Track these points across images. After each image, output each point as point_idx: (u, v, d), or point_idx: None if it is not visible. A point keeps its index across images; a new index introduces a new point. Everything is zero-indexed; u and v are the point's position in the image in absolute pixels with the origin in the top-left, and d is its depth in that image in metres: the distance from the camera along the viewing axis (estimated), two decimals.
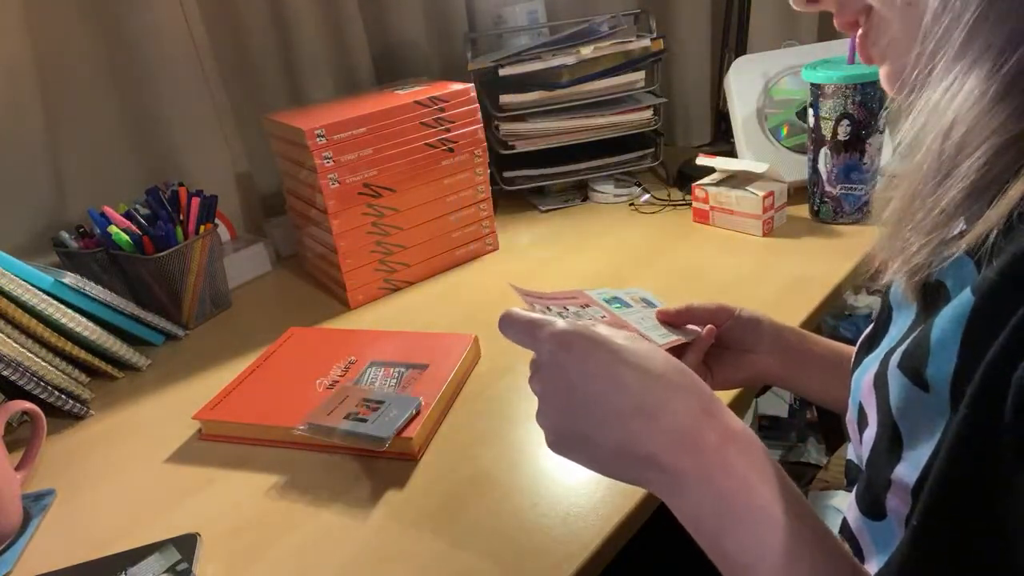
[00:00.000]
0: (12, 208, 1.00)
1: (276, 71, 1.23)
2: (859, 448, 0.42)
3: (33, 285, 0.82)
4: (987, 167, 0.33)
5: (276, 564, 0.58)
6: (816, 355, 0.61)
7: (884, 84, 0.41)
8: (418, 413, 0.69)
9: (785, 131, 1.14)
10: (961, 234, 0.34)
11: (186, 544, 0.60)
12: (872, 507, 0.39)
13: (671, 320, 0.62)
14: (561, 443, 0.42)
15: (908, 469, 0.36)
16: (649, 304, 0.64)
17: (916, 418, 0.35)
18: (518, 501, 0.61)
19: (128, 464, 0.74)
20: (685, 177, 1.20)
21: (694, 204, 1.09)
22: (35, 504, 0.68)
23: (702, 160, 1.11)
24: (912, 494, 0.35)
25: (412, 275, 1.05)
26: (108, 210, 0.97)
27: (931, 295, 0.38)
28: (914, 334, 0.36)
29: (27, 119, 0.99)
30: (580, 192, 1.28)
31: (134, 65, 1.07)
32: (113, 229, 0.94)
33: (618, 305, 0.62)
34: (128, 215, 0.97)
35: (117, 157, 1.10)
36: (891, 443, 0.37)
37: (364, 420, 0.67)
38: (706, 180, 1.09)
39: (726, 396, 0.70)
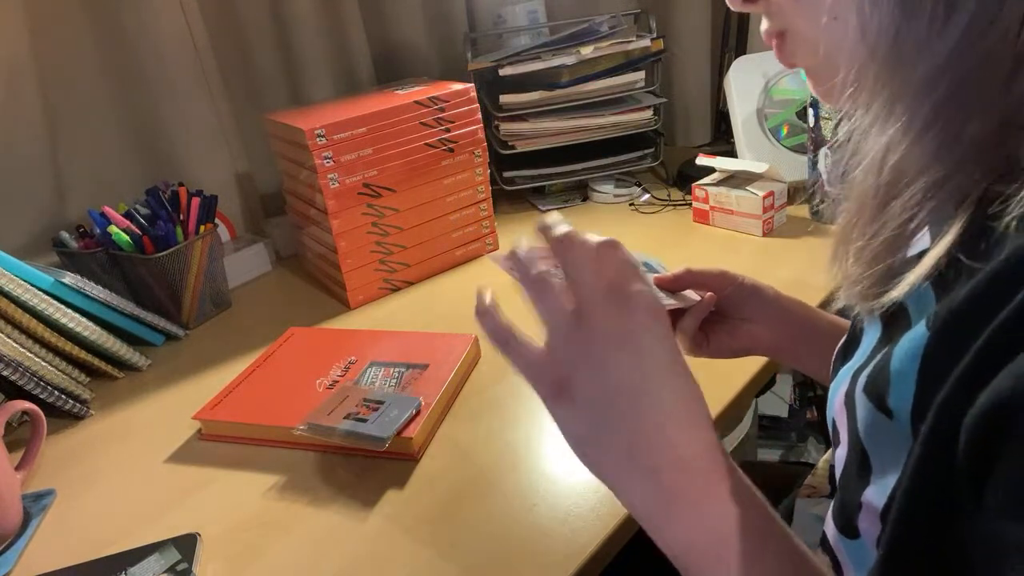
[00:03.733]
0: (12, 208, 1.00)
1: (276, 71, 1.23)
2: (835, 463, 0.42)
3: (33, 285, 0.82)
4: (925, 203, 0.33)
5: (276, 564, 0.58)
6: (819, 330, 0.59)
7: (811, 86, 0.40)
8: (418, 413, 0.69)
9: (785, 131, 1.14)
10: (921, 255, 0.34)
11: (186, 544, 0.60)
12: (846, 526, 0.39)
13: (668, 286, 0.59)
14: (563, 404, 0.38)
15: (877, 494, 0.35)
16: (651, 269, 0.62)
17: (883, 443, 0.35)
18: (518, 502, 0.61)
19: (128, 464, 0.74)
20: (685, 177, 1.20)
21: (694, 204, 1.09)
22: (35, 504, 0.68)
23: (702, 160, 1.11)
24: (880, 518, 0.35)
25: (412, 275, 1.05)
26: (108, 210, 0.97)
27: (893, 316, 0.37)
28: (877, 357, 0.35)
29: (27, 119, 0.99)
30: (580, 192, 1.28)
31: (134, 65, 1.07)
32: (113, 229, 0.94)
33: None
34: (128, 215, 0.97)
35: (117, 157, 1.10)
36: (860, 466, 0.37)
37: (364, 420, 0.67)
38: (706, 180, 1.09)
39: (727, 395, 0.70)
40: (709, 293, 0.59)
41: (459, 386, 0.78)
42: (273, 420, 0.72)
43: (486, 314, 0.40)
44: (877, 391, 0.34)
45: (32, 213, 1.02)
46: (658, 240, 1.07)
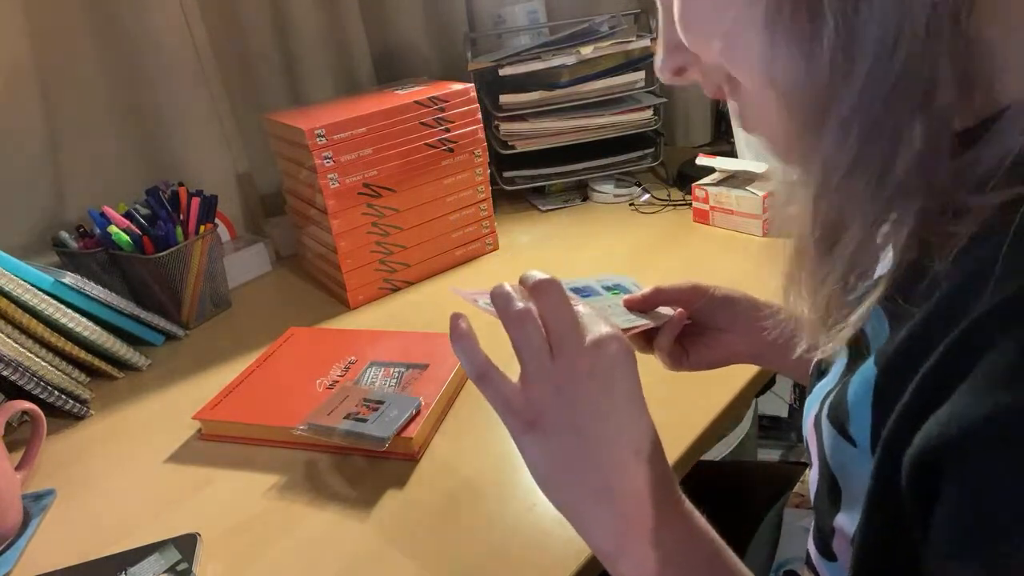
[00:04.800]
0: (12, 208, 1.00)
1: (276, 71, 1.23)
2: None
3: (33, 285, 0.82)
4: (865, 245, 0.33)
5: (276, 564, 0.58)
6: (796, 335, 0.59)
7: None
8: (418, 413, 0.69)
9: None
10: (878, 281, 0.34)
11: (186, 544, 0.60)
12: (824, 549, 0.40)
13: (639, 307, 0.59)
14: (534, 437, 0.39)
15: (847, 520, 0.36)
16: (624, 290, 0.62)
17: (849, 470, 0.36)
18: (518, 502, 0.61)
19: (128, 464, 0.74)
20: (685, 177, 1.20)
21: (694, 204, 1.09)
22: (35, 504, 0.68)
23: (702, 160, 1.11)
24: (852, 544, 0.35)
25: (412, 275, 1.05)
26: (108, 210, 0.97)
27: (857, 341, 0.37)
28: (840, 385, 0.36)
29: (27, 119, 0.99)
30: (580, 192, 1.28)
31: (134, 65, 1.07)
32: (113, 229, 0.94)
33: (586, 295, 0.60)
34: (128, 215, 0.97)
35: (117, 157, 1.10)
36: (831, 492, 0.37)
37: (364, 420, 0.67)
38: (706, 180, 1.09)
39: (727, 395, 0.70)
40: (680, 309, 0.59)
41: (459, 386, 0.78)
42: (273, 420, 0.72)
43: (462, 341, 0.41)
44: (839, 419, 0.35)
45: (32, 213, 1.02)
46: (658, 240, 1.07)
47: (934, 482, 0.27)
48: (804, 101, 0.32)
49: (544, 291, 0.40)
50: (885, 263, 0.36)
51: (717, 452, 1.35)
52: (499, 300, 0.40)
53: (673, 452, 0.64)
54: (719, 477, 0.81)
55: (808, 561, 0.44)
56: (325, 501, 0.64)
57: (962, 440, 0.26)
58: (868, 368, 0.33)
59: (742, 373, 0.72)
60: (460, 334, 0.41)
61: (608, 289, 0.62)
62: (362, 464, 0.68)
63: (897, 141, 0.30)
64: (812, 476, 0.40)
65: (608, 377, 0.38)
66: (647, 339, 0.60)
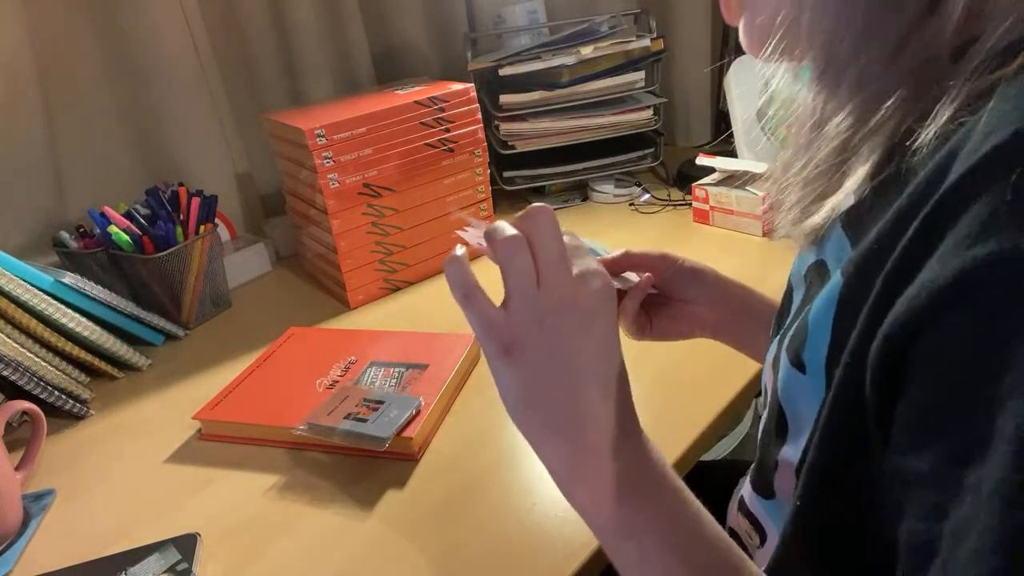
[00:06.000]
0: (12, 208, 1.00)
1: (276, 71, 1.23)
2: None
3: (33, 285, 0.82)
4: (853, 128, 0.33)
5: (276, 564, 0.58)
6: (759, 312, 0.59)
7: (743, 39, 0.40)
8: (418, 413, 0.69)
9: (785, 131, 1.13)
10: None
11: (186, 544, 0.60)
12: (764, 487, 0.40)
13: (608, 268, 0.60)
14: (508, 364, 0.38)
15: (792, 450, 0.36)
16: (595, 254, 0.63)
17: (797, 400, 0.36)
18: (518, 501, 0.61)
19: (128, 464, 0.74)
20: (685, 177, 1.20)
21: (694, 204, 1.09)
22: (35, 504, 0.68)
23: (702, 160, 1.11)
24: (795, 473, 0.36)
25: (412, 275, 1.05)
26: (108, 210, 0.97)
27: (815, 274, 0.38)
28: (801, 316, 0.36)
29: (27, 119, 0.99)
30: (580, 192, 1.28)
31: (134, 65, 1.07)
32: (113, 229, 0.94)
33: None
34: (128, 215, 0.97)
35: (117, 157, 1.10)
36: (778, 425, 0.37)
37: (364, 420, 0.67)
38: (706, 180, 1.09)
39: (727, 395, 0.70)
40: (647, 275, 0.60)
41: (459, 386, 0.78)
42: (273, 420, 0.72)
43: (454, 263, 0.40)
44: (795, 347, 0.35)
45: (32, 213, 1.02)
46: (658, 240, 1.07)
47: (897, 369, 0.26)
48: None
49: (535, 218, 0.39)
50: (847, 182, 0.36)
51: (717, 452, 1.35)
52: (492, 227, 0.40)
53: (673, 452, 0.64)
54: (719, 477, 0.81)
55: (741, 507, 0.44)
56: (325, 501, 0.64)
57: (932, 303, 0.24)
58: (833, 284, 0.32)
59: (742, 373, 0.72)
60: (454, 257, 0.40)
61: None
62: (362, 464, 0.68)
63: (897, 34, 0.31)
64: (762, 421, 0.40)
65: (589, 312, 0.38)
66: None
